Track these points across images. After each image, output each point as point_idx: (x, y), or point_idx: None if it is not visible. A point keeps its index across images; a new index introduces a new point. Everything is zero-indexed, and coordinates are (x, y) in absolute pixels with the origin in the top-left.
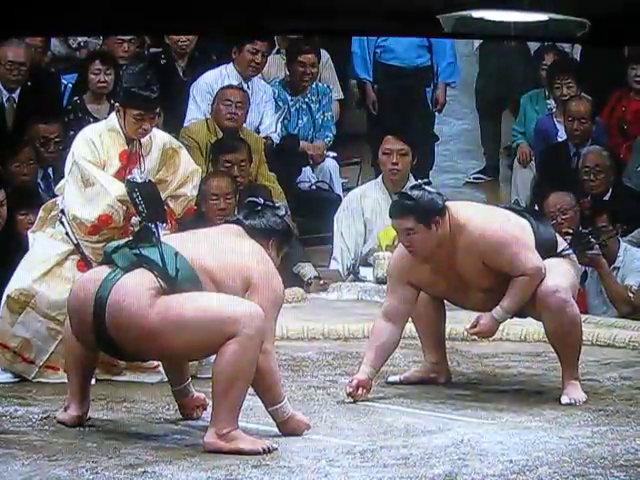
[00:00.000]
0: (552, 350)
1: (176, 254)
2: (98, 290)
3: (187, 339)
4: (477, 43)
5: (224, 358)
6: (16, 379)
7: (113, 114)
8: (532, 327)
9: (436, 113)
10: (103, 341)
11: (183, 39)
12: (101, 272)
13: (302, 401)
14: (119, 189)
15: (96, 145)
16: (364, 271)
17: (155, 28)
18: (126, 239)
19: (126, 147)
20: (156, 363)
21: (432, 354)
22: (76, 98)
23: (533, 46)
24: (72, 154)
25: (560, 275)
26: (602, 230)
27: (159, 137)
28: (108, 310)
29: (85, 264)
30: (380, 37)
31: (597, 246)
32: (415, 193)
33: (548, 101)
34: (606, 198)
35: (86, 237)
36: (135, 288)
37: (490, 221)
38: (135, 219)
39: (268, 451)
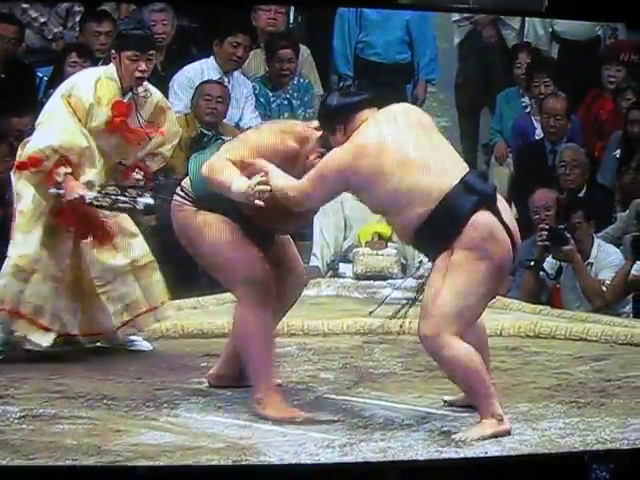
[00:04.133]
0: (527, 345)
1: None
2: None
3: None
4: (457, 39)
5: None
6: None
7: (111, 65)
8: (508, 322)
9: None
10: None
11: (159, 32)
12: None
13: (282, 396)
14: (59, 139)
15: (87, 90)
16: (343, 267)
17: None
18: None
19: (120, 97)
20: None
21: None
22: (52, 91)
23: (511, 44)
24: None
25: (441, 306)
26: (577, 226)
27: (154, 93)
28: None
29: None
30: (361, 32)
31: (572, 242)
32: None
33: (523, 99)
34: (581, 195)
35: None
36: None
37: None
38: (63, 169)
39: (292, 421)
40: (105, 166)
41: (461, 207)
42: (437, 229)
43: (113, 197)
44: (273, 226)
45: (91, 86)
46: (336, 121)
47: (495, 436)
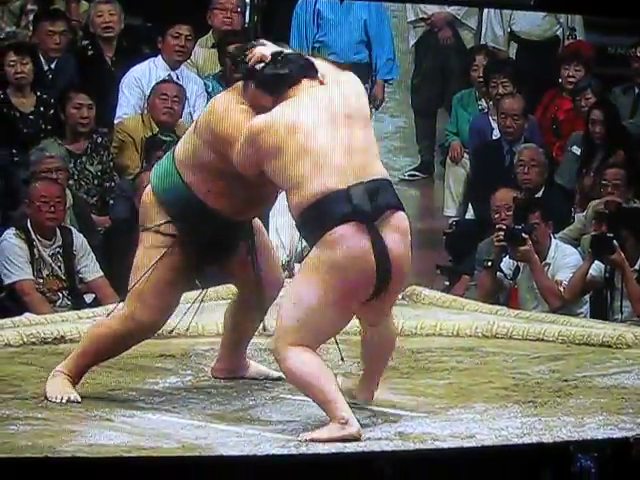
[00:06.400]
0: (483, 345)
1: None
2: None
3: None
4: (413, 40)
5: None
6: None
7: None
8: (464, 322)
9: (373, 110)
10: None
11: (107, 21)
12: None
13: (237, 397)
14: None
15: None
16: (299, 267)
17: None
18: None
19: None
20: None
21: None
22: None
23: (469, 44)
24: None
25: (281, 318)
26: (535, 227)
27: None
28: None
29: None
30: (318, 32)
31: (529, 242)
32: None
33: (479, 102)
34: (538, 195)
35: None
36: None
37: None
38: None
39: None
40: None
41: (332, 212)
42: (308, 225)
43: None
44: (240, 211)
45: None
46: (271, 91)
47: (339, 440)
